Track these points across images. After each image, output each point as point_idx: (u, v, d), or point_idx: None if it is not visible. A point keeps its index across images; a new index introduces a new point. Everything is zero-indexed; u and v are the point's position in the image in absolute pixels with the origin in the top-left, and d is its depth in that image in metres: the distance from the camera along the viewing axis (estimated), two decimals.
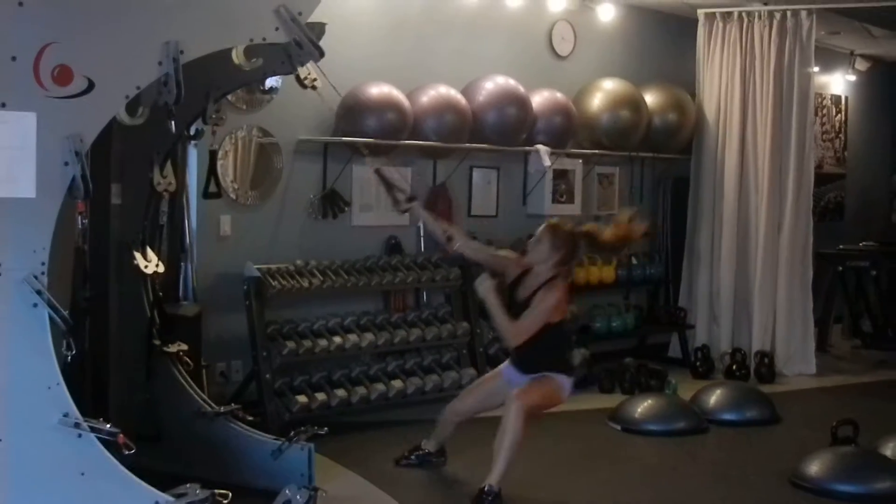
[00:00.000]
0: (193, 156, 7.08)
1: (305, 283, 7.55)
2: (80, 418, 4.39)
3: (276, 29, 4.77)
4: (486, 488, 5.71)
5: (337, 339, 7.61)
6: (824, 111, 13.19)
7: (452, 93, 8.49)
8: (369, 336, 7.81)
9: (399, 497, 6.05)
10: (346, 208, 8.24)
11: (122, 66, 4.44)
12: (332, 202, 8.14)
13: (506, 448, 5.73)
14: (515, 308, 6.04)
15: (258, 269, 7.34)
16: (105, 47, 4.39)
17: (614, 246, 6.55)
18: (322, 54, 4.98)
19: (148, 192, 6.07)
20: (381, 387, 7.71)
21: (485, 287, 6.03)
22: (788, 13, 10.00)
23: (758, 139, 10.10)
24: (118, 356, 6.07)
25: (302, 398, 7.25)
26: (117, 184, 6.02)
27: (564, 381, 6.11)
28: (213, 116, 5.84)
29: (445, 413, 6.52)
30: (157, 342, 6.09)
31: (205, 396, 6.12)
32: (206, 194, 7.15)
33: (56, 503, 4.38)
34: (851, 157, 14.01)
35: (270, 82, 6.98)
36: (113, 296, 6.07)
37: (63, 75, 4.26)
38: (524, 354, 6.09)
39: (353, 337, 7.71)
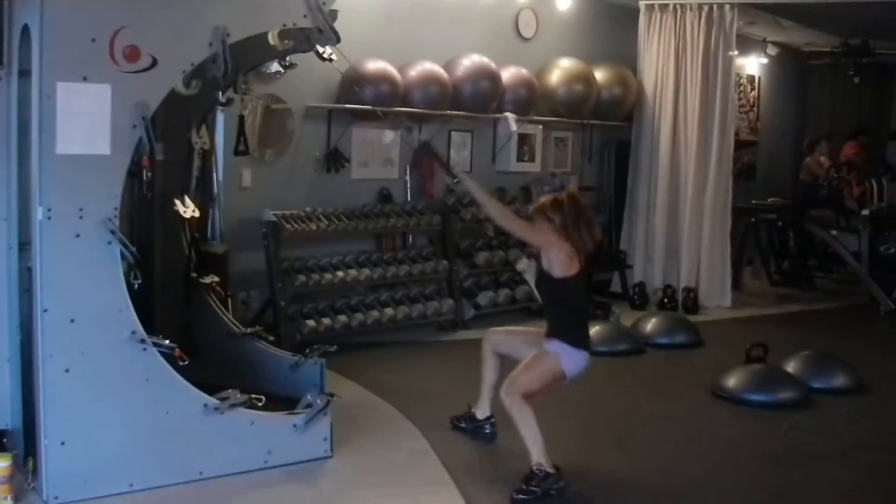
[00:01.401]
0: (221, 119, 7.05)
1: (313, 227, 7.64)
2: (145, 335, 4.51)
3: (305, 16, 4.87)
4: (534, 469, 4.86)
5: (339, 273, 7.71)
6: (741, 88, 13.25)
7: (436, 68, 8.55)
8: (365, 271, 7.92)
9: (392, 401, 6.23)
10: (346, 164, 8.28)
11: (179, 46, 4.52)
12: (335, 159, 8.19)
13: (525, 433, 4.91)
14: (546, 284, 5.23)
15: (274, 215, 7.43)
16: (166, 31, 4.46)
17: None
18: (339, 39, 5.05)
19: (186, 149, 6.10)
20: (375, 313, 7.83)
21: (529, 273, 5.57)
22: (714, 6, 10.07)
23: (688, 111, 10.17)
24: (161, 286, 6.04)
25: (311, 322, 7.38)
26: (161, 143, 6.06)
27: (566, 354, 5.07)
28: (243, 87, 5.88)
29: (484, 342, 5.70)
30: (193, 275, 6.13)
31: (233, 320, 6.15)
32: (236, 152, 7.20)
33: (126, 403, 4.50)
34: (763, 127, 14.12)
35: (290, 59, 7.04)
36: (157, 236, 6.04)
37: (132, 54, 4.34)
38: (547, 316, 5.33)
39: (352, 272, 7.81)
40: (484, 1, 9.30)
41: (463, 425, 5.75)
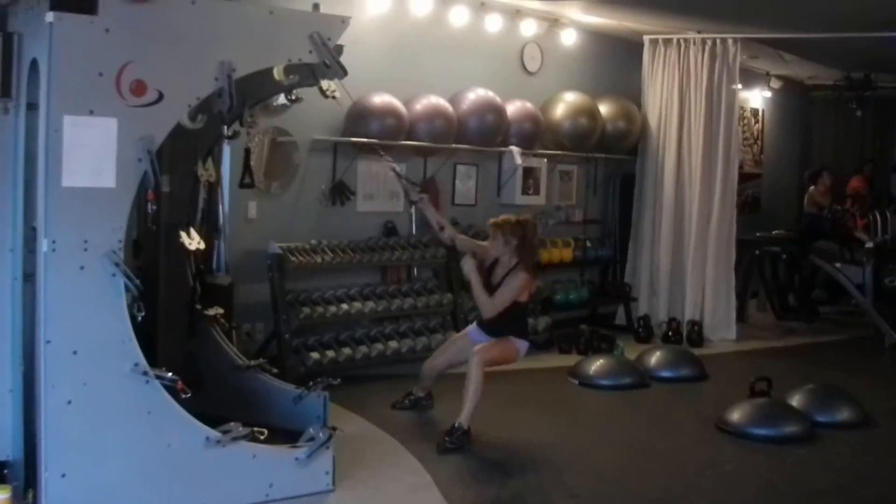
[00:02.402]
0: (227, 151, 7.09)
1: (318, 259, 7.64)
2: (148, 367, 4.51)
3: (310, 52, 4.91)
4: (455, 425, 6.00)
5: (343, 306, 7.70)
6: (745, 121, 13.32)
7: (441, 102, 8.57)
8: (370, 304, 7.90)
9: (395, 434, 6.21)
10: (352, 197, 8.29)
11: (185, 81, 4.55)
12: (340, 192, 8.19)
13: (470, 392, 6.05)
14: (491, 287, 6.30)
15: (279, 247, 7.43)
16: (173, 66, 4.50)
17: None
18: (346, 73, 5.08)
19: (192, 181, 6.12)
20: (379, 346, 7.80)
21: (468, 266, 6.28)
22: (718, 40, 10.09)
23: (692, 144, 10.15)
24: (166, 318, 6.06)
25: (315, 354, 7.36)
26: (167, 175, 6.09)
27: (521, 344, 6.40)
28: (249, 120, 5.89)
29: (423, 369, 6.83)
30: (198, 306, 6.12)
31: (237, 352, 6.14)
32: (241, 184, 7.20)
33: (127, 436, 4.49)
34: (767, 159, 14.18)
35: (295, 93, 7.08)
36: (162, 268, 6.07)
37: (139, 88, 4.38)
38: (493, 322, 6.38)
39: (356, 304, 7.80)
40: (489, 35, 9.34)
41: (406, 403, 6.83)
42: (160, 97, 4.45)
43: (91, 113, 4.31)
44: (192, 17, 4.59)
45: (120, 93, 4.35)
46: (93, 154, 4.32)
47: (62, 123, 4.24)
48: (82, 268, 4.34)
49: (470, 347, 6.32)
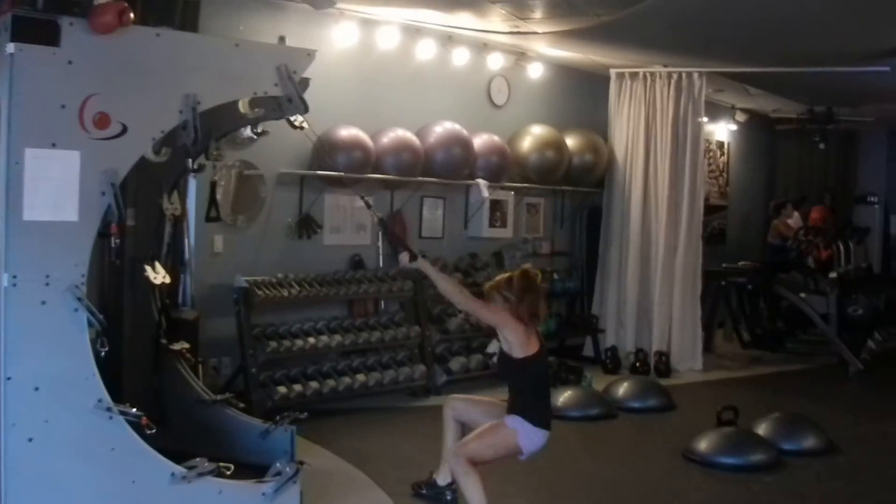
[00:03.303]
0: (193, 185, 7.04)
1: (285, 293, 7.59)
2: (111, 403, 4.43)
3: (275, 84, 4.89)
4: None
5: (311, 340, 7.66)
6: (711, 154, 13.40)
7: (408, 135, 8.58)
8: (337, 337, 7.86)
9: (364, 469, 6.12)
10: (319, 230, 8.27)
11: (150, 114, 4.52)
12: (307, 225, 8.18)
13: (467, 498, 5.02)
14: (507, 363, 5.23)
15: (246, 281, 7.38)
16: (137, 98, 4.46)
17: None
18: (307, 109, 5.04)
19: (158, 215, 6.08)
20: (347, 380, 7.74)
21: (421, 261, 5.47)
22: (684, 74, 10.18)
23: (658, 176, 10.21)
24: (131, 352, 6.02)
25: (282, 388, 7.29)
26: (132, 208, 6.05)
27: (522, 429, 5.07)
28: (215, 153, 5.87)
29: (445, 407, 5.63)
30: (163, 341, 6.08)
31: (203, 387, 6.10)
32: (207, 218, 7.15)
33: (91, 473, 4.41)
34: (732, 191, 14.29)
35: (261, 126, 7.07)
36: (127, 302, 6.03)
37: (102, 121, 4.33)
38: (509, 395, 5.27)
39: (324, 338, 7.76)
40: (456, 69, 9.39)
41: (424, 492, 5.69)
42: (124, 130, 4.40)
43: (53, 145, 4.25)
44: (156, 50, 4.56)
45: (83, 125, 4.30)
46: (55, 187, 4.27)
47: (24, 156, 4.19)
48: (44, 303, 4.27)
49: (500, 416, 5.20)
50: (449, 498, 5.57)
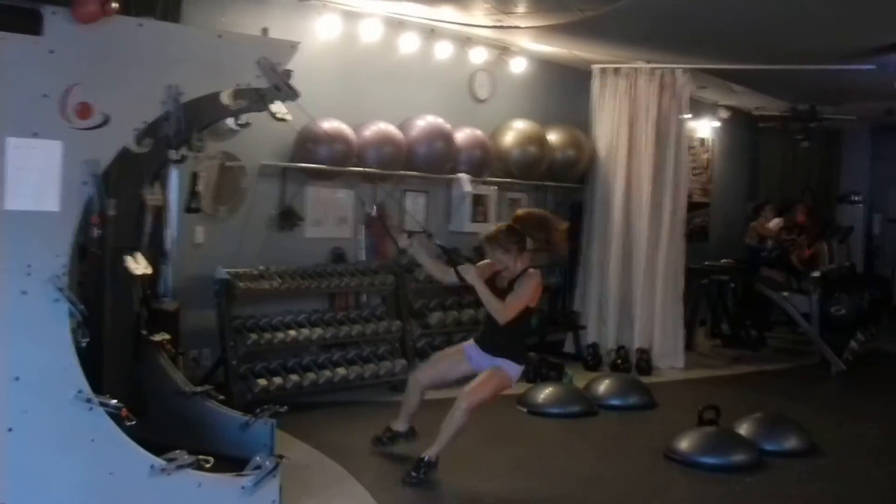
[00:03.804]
0: (174, 176, 6.97)
1: (266, 285, 7.60)
2: (92, 394, 4.45)
3: (258, 76, 4.91)
4: (425, 458, 5.79)
5: (291, 332, 7.66)
6: (694, 151, 13.38)
7: (391, 128, 8.57)
8: (318, 330, 7.86)
9: (343, 463, 6.13)
10: (300, 223, 8.26)
11: (132, 104, 4.53)
12: (289, 217, 8.17)
13: (450, 433, 5.77)
14: (500, 292, 5.88)
15: (227, 273, 7.38)
16: (119, 88, 4.47)
17: (556, 236, 6.12)
18: (297, 95, 5.07)
19: (139, 205, 6.06)
20: (327, 373, 7.75)
21: (472, 275, 5.88)
22: (667, 71, 10.21)
23: (641, 172, 10.23)
24: (111, 343, 5.96)
25: (262, 381, 7.30)
26: (113, 199, 6.04)
27: (514, 370, 5.95)
28: (197, 144, 5.88)
29: (409, 382, 6.40)
30: (144, 332, 6.08)
31: (183, 378, 6.09)
32: (188, 209, 7.12)
33: (70, 464, 4.43)
34: (715, 189, 14.32)
35: (244, 117, 7.08)
36: (108, 293, 5.98)
37: (84, 111, 4.35)
38: (492, 336, 6.00)
39: (304, 331, 7.76)
40: (439, 62, 9.39)
41: (384, 440, 6.38)
42: (106, 120, 4.42)
43: (35, 135, 4.27)
44: (139, 40, 4.58)
45: (65, 115, 4.32)
46: (36, 177, 4.29)
47: (5, 146, 4.20)
48: (24, 293, 4.29)
49: (465, 364, 6.10)
50: (407, 441, 6.35)
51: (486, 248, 6.03)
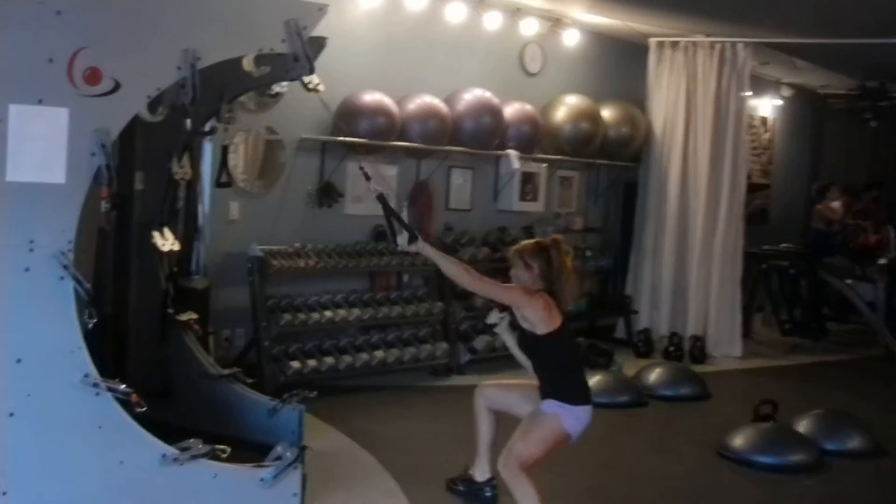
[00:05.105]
0: (208, 149, 6.77)
1: (302, 264, 7.42)
2: (99, 379, 4.21)
3: (283, 41, 4.61)
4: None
5: (328, 313, 7.48)
6: (754, 130, 13.05)
7: (436, 102, 8.34)
8: (356, 311, 7.67)
9: (374, 453, 5.91)
10: (340, 199, 8.06)
11: (144, 69, 4.25)
12: (328, 193, 7.97)
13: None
14: (530, 342, 4.88)
15: (261, 250, 7.22)
16: (130, 53, 4.20)
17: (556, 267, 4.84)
18: (313, 70, 4.73)
19: (167, 180, 5.85)
20: (364, 356, 7.55)
21: (502, 326, 5.11)
22: (727, 45, 9.91)
23: (698, 152, 9.98)
24: (136, 322, 5.87)
25: (295, 363, 7.12)
26: (140, 172, 5.86)
27: (562, 411, 4.70)
28: (226, 116, 5.66)
29: (474, 403, 5.29)
30: (170, 311, 5.87)
31: (211, 360, 5.90)
32: (218, 184, 6.89)
33: (76, 451, 4.22)
34: (775, 170, 13.96)
35: (276, 88, 6.84)
36: (134, 269, 5.87)
37: (93, 76, 4.08)
38: (537, 372, 4.95)
39: (342, 311, 7.58)
40: (488, 33, 9.09)
41: (460, 488, 5.31)
42: (116, 86, 4.13)
43: (40, 102, 4.01)
44: (153, 0, 4.29)
45: (72, 81, 4.04)
46: (41, 146, 4.03)
47: (7, 113, 3.95)
48: (27, 270, 4.04)
49: (537, 399, 4.85)
50: (489, 494, 5.22)
51: (511, 261, 4.99)
